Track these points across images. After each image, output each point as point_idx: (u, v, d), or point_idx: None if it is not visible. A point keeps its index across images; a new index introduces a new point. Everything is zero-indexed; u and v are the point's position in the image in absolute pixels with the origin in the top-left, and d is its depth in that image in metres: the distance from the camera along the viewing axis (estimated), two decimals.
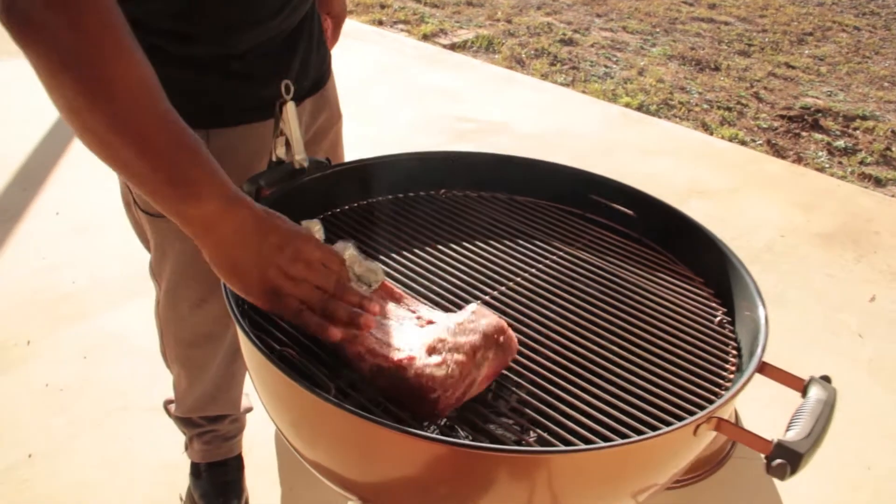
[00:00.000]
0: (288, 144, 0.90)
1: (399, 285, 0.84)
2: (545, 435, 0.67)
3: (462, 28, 4.79)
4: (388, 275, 0.85)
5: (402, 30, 4.64)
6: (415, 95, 3.54)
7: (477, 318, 0.73)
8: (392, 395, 0.70)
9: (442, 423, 0.72)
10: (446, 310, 0.81)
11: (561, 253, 0.93)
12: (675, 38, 4.96)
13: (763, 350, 0.70)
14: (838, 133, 3.68)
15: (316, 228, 0.81)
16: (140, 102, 0.64)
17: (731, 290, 0.85)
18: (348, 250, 0.78)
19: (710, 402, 0.72)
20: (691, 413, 0.69)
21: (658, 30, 5.15)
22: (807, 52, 4.94)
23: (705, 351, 0.78)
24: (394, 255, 0.91)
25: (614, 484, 0.65)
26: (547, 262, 0.91)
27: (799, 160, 3.35)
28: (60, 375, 1.76)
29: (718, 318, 0.83)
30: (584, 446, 0.59)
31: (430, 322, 0.76)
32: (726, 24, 5.41)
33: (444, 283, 0.86)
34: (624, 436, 0.65)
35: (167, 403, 1.47)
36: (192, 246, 1.06)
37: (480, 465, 0.60)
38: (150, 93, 0.65)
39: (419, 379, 0.67)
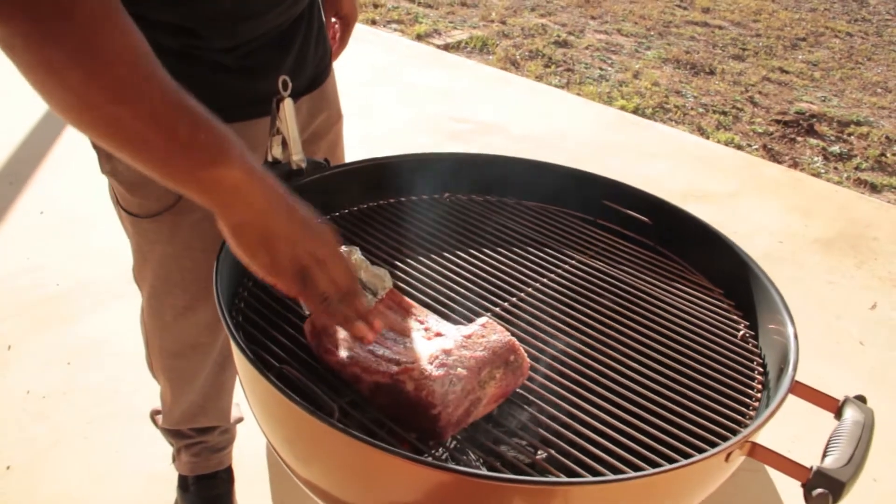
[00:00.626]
0: (285, 144, 0.85)
1: (404, 296, 0.79)
2: (559, 457, 0.63)
3: (456, 28, 4.75)
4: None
5: (395, 29, 4.59)
6: (409, 95, 3.49)
7: (487, 333, 0.69)
8: (394, 415, 0.65)
9: (451, 444, 0.67)
10: (453, 322, 0.76)
11: (573, 261, 0.88)
12: (670, 42, 4.94)
13: (795, 369, 0.66)
14: (833, 138, 3.67)
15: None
16: (139, 69, 0.58)
17: (754, 302, 0.80)
18: (354, 254, 0.73)
19: (737, 422, 0.67)
20: (718, 435, 0.65)
21: (653, 33, 5.13)
22: (800, 57, 4.93)
23: (729, 367, 0.74)
24: (397, 263, 0.86)
25: None
26: (559, 270, 0.86)
27: (795, 165, 3.33)
28: (42, 382, 1.69)
29: (741, 333, 0.79)
30: (612, 476, 0.55)
31: (439, 334, 0.71)
32: (720, 28, 5.40)
33: (451, 294, 0.81)
34: (645, 458, 0.61)
35: (154, 414, 1.41)
36: (174, 249, 1.01)
37: (494, 495, 0.55)
38: (147, 59, 0.59)
39: (418, 393, 0.63)
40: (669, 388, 0.70)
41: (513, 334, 0.72)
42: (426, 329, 0.72)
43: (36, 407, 1.63)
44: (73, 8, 0.56)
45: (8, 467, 1.47)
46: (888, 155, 3.49)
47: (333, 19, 1.23)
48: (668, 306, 0.82)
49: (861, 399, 0.66)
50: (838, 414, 0.66)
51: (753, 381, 0.73)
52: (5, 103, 2.83)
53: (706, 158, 3.18)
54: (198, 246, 0.99)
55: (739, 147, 3.43)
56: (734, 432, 0.66)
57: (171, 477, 1.42)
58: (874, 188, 3.16)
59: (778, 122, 3.80)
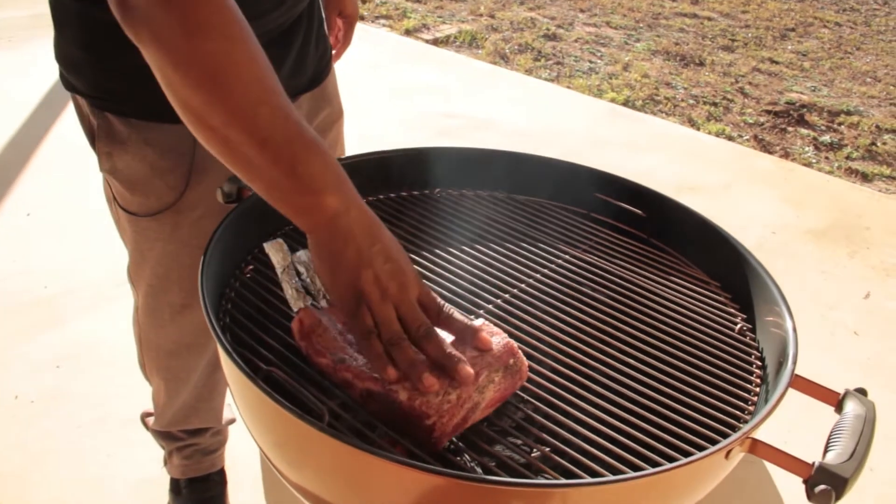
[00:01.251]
0: None
1: None
2: (555, 457, 0.61)
3: (445, 23, 4.72)
4: None
5: (383, 25, 4.56)
6: (398, 91, 3.47)
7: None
8: (387, 421, 0.64)
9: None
10: None
11: (566, 256, 0.87)
12: (659, 34, 4.93)
13: (794, 362, 0.65)
14: (824, 128, 3.67)
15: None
16: (256, 96, 0.62)
17: (751, 294, 0.79)
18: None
19: (736, 417, 0.66)
20: (716, 431, 0.63)
21: (642, 25, 5.12)
22: (790, 47, 4.93)
23: (727, 362, 0.73)
24: None
25: None
26: (552, 266, 0.85)
27: (786, 155, 3.33)
28: (31, 386, 1.66)
29: (739, 326, 0.78)
30: (611, 477, 0.53)
31: None
32: (709, 19, 5.40)
33: (443, 292, 0.79)
34: (643, 456, 0.59)
35: (144, 416, 1.39)
36: (175, 247, 1.00)
37: (489, 498, 0.54)
38: (266, 85, 0.63)
39: (411, 403, 0.60)
40: (666, 383, 0.69)
41: (507, 332, 0.71)
42: None
43: (25, 412, 1.60)
44: (198, 33, 0.59)
45: None
46: (879, 144, 3.49)
47: (338, 19, 1.24)
48: (663, 300, 0.81)
49: (862, 392, 0.65)
50: (839, 407, 0.64)
51: (752, 376, 0.71)
52: None
53: (698, 150, 3.17)
54: (197, 243, 0.98)
55: (730, 138, 3.43)
56: (733, 428, 0.64)
57: (162, 481, 1.40)
58: (865, 177, 3.16)
59: (768, 112, 3.79)
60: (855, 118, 3.74)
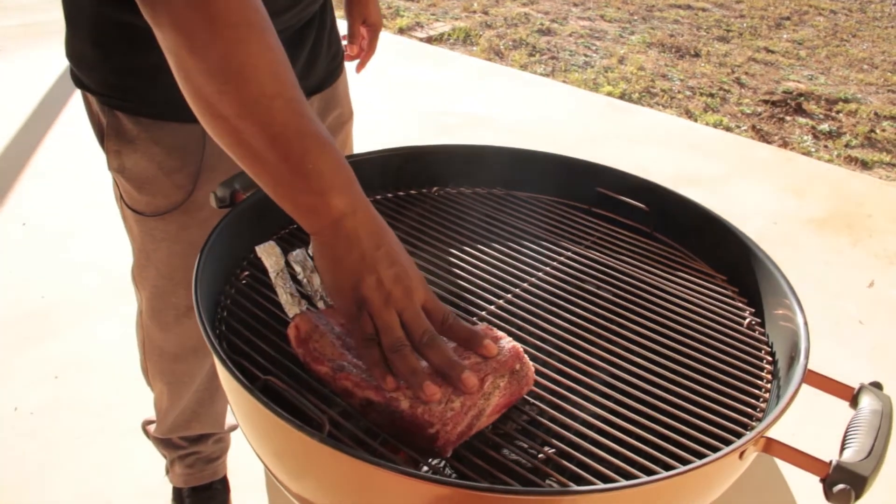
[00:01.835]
0: None
1: None
2: (562, 461, 0.59)
3: (438, 21, 4.70)
4: None
5: None
6: (393, 90, 3.45)
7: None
8: (389, 431, 0.62)
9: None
10: None
11: (569, 253, 0.85)
12: (654, 26, 4.91)
13: (807, 357, 0.63)
14: (822, 117, 3.65)
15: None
16: (271, 88, 0.60)
17: (759, 287, 0.77)
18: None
19: (748, 415, 0.64)
20: (728, 430, 0.62)
21: (636, 17, 5.10)
22: (785, 36, 4.91)
23: (736, 357, 0.71)
24: None
25: None
26: (554, 263, 0.83)
27: (785, 145, 3.31)
28: (30, 398, 1.65)
29: (748, 320, 0.76)
30: (622, 482, 0.51)
31: None
32: (704, 10, 5.38)
33: (442, 293, 0.77)
34: (653, 459, 0.58)
35: (145, 424, 1.37)
36: (181, 247, 0.99)
37: None
38: (282, 79, 0.61)
39: (413, 412, 0.58)
40: (674, 381, 0.67)
41: (510, 334, 0.69)
42: None
43: (24, 423, 1.58)
44: (219, 19, 0.58)
45: None
46: (877, 131, 3.47)
47: (362, 27, 1.24)
48: (669, 296, 0.79)
49: (877, 386, 0.63)
50: (853, 402, 0.63)
51: (762, 371, 0.69)
52: None
53: (696, 142, 3.15)
54: None
55: (728, 129, 3.41)
56: (745, 426, 0.63)
57: (164, 492, 1.39)
58: (865, 165, 3.15)
59: (766, 102, 3.77)
60: (853, 106, 3.73)
